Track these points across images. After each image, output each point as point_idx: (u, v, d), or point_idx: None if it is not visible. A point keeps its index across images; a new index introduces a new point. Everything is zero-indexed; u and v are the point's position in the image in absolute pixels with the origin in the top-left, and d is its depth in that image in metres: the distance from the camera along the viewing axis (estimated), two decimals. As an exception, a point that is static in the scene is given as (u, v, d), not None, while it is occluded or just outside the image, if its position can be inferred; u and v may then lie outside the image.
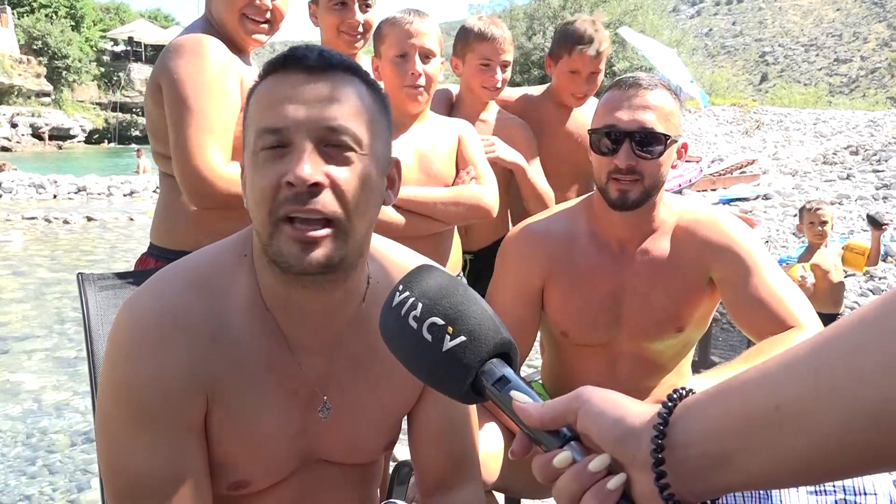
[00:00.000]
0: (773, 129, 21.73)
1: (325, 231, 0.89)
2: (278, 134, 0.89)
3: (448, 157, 1.96)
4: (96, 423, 0.96)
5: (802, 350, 0.50)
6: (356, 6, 2.05)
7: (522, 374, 1.89)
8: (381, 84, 1.91)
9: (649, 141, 1.49)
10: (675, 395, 0.57)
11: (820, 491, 1.06)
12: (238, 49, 1.84)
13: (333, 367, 1.04)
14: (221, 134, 1.69)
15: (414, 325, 0.68)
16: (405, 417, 1.18)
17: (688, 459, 0.53)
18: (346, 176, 0.90)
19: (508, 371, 0.67)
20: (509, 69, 2.30)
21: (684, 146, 1.60)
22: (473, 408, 1.20)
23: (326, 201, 0.88)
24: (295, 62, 0.92)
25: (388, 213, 1.82)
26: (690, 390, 0.57)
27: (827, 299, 4.07)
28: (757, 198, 10.55)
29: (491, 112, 2.35)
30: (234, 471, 1.01)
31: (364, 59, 2.17)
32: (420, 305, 0.68)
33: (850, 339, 0.47)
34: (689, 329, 1.62)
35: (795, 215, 4.91)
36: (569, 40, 2.33)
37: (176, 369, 0.92)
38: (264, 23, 1.83)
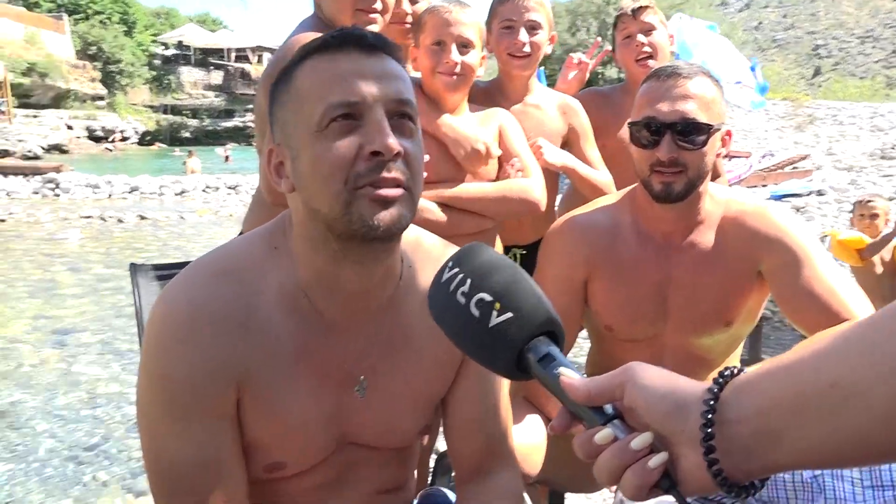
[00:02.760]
0: (827, 123, 21.10)
1: (400, 191, 0.93)
2: (353, 107, 0.92)
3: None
4: (137, 411, 1.00)
5: (858, 329, 0.49)
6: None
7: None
8: (418, 75, 1.93)
9: (691, 131, 1.45)
10: (726, 373, 0.56)
11: (877, 485, 1.03)
12: None
13: (369, 348, 1.06)
14: None
15: (462, 300, 0.69)
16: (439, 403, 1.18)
17: (738, 436, 0.53)
18: (411, 147, 0.95)
19: (554, 349, 0.67)
20: (542, 32, 2.07)
21: (728, 133, 1.56)
22: (507, 393, 1.20)
23: (402, 169, 0.93)
24: (353, 41, 0.95)
25: (433, 211, 1.81)
26: (742, 369, 0.57)
27: (872, 292, 3.97)
28: (810, 194, 10.27)
29: (536, 94, 2.17)
30: (269, 454, 1.03)
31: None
32: (469, 281, 0.69)
33: None
34: (738, 323, 1.58)
35: (851, 211, 4.77)
36: (614, 21, 2.41)
37: (207, 359, 0.95)
38: (376, 14, 1.84)
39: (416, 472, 1.30)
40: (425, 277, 1.11)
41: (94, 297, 6.41)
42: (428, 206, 1.82)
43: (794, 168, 13.40)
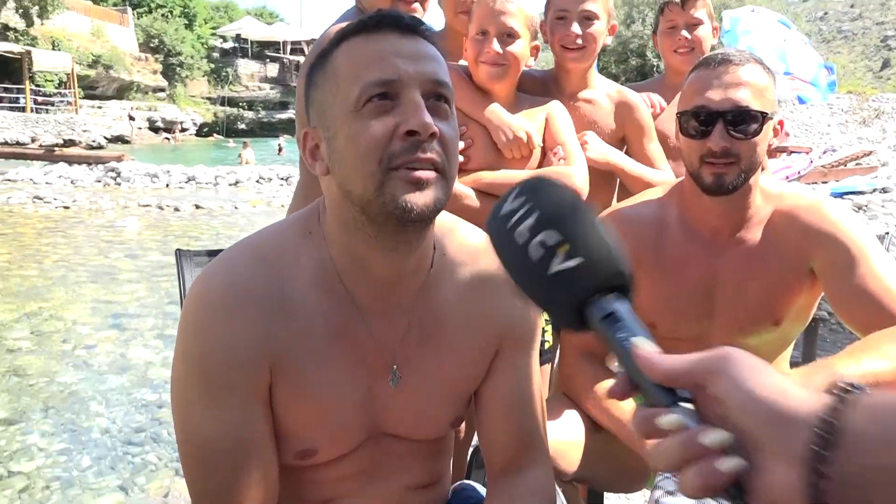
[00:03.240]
0: (895, 118, 20.22)
1: (435, 174, 0.92)
2: (390, 86, 0.91)
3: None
4: (171, 390, 1.01)
5: None
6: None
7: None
8: (465, 63, 1.92)
9: (744, 120, 1.39)
10: (847, 388, 0.49)
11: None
12: None
13: (402, 336, 1.05)
14: None
15: (525, 235, 0.61)
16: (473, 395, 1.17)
17: (853, 466, 0.46)
18: (447, 129, 0.94)
19: (623, 308, 0.59)
20: (599, 23, 1.98)
21: (780, 123, 1.49)
22: (540, 388, 1.17)
23: (437, 150, 0.92)
24: (390, 22, 0.95)
25: (471, 197, 1.80)
26: (858, 386, 0.49)
27: None
28: (874, 191, 9.88)
29: (592, 88, 2.09)
30: (301, 439, 1.03)
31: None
32: (535, 214, 0.61)
33: None
34: (787, 323, 1.52)
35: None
36: (660, 5, 2.39)
37: (242, 339, 0.95)
38: (416, 2, 1.85)
39: (451, 467, 1.29)
40: (458, 266, 1.09)
41: (149, 284, 6.61)
42: (465, 191, 1.80)
43: (857, 164, 12.93)
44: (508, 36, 1.82)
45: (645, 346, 0.57)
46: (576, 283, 0.59)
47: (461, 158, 1.84)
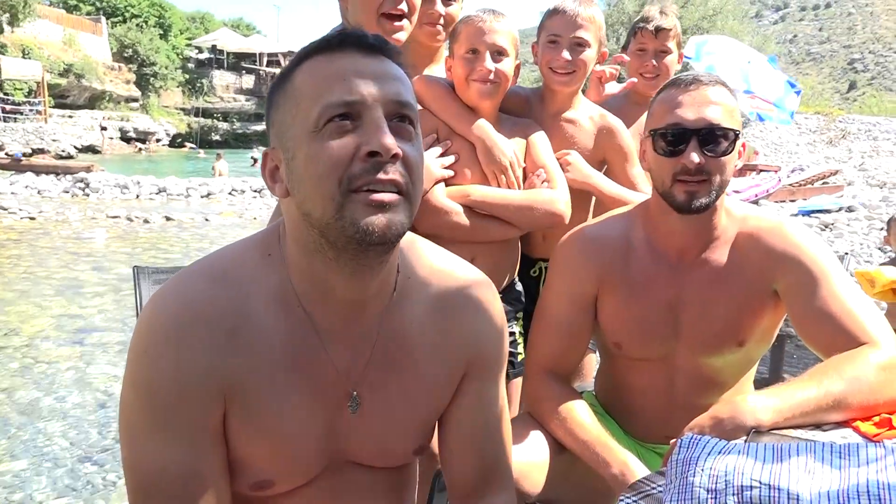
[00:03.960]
0: (861, 138, 20.73)
1: (398, 197, 0.89)
2: (351, 107, 0.89)
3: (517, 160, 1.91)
4: (119, 417, 0.97)
5: None
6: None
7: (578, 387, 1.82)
8: (452, 83, 1.92)
9: (716, 138, 1.40)
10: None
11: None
12: None
13: (365, 362, 1.02)
14: None
15: None
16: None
17: None
18: (411, 150, 0.92)
19: None
20: (589, 51, 1.98)
21: (743, 145, 1.51)
22: (507, 413, 1.15)
23: (400, 172, 0.90)
24: (353, 41, 0.93)
25: (460, 214, 1.80)
26: None
27: None
28: (840, 210, 10.08)
29: (577, 111, 2.08)
30: (257, 470, 0.99)
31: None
32: None
33: None
34: (751, 344, 1.52)
35: (882, 228, 4.62)
36: (633, 26, 2.48)
37: (193, 366, 0.92)
38: (402, 18, 1.82)
39: (416, 499, 1.26)
40: (423, 288, 1.07)
41: (115, 297, 6.48)
42: (453, 207, 1.80)
43: (824, 183, 13.19)
44: (498, 54, 1.85)
45: None
46: None
47: (449, 173, 1.84)
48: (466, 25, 1.88)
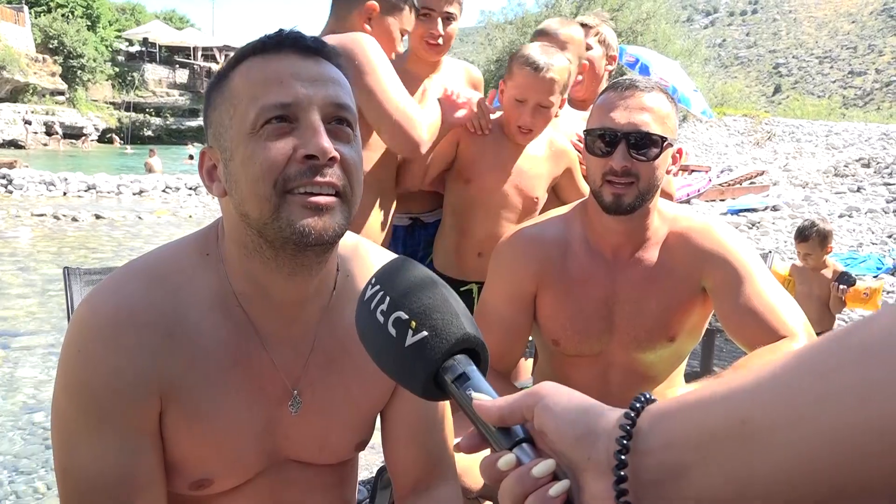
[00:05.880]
0: (785, 140, 21.63)
1: (335, 199, 0.90)
2: (288, 109, 0.89)
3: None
4: (52, 421, 0.95)
5: (778, 366, 0.46)
6: (439, 19, 2.22)
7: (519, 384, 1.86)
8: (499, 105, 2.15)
9: (645, 143, 1.46)
10: (641, 399, 0.54)
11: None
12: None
13: (305, 361, 1.03)
14: None
15: (381, 318, 0.67)
16: (378, 416, 1.15)
17: (645, 468, 0.50)
18: (349, 152, 0.92)
19: (471, 368, 0.64)
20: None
21: (679, 151, 1.57)
22: (447, 406, 1.17)
23: (338, 175, 0.90)
24: (290, 42, 0.93)
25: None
26: (653, 399, 0.54)
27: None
28: (766, 209, 10.50)
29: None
30: (195, 469, 0.99)
31: (449, 62, 2.43)
32: (388, 299, 0.67)
33: (825, 359, 0.43)
34: (681, 339, 1.59)
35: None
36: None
37: (128, 367, 0.91)
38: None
39: (356, 497, 1.26)
40: (362, 287, 1.08)
41: (41, 299, 6.23)
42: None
43: (751, 183, 13.71)
44: (543, 107, 2.06)
45: (482, 395, 0.61)
46: (426, 353, 0.64)
47: (462, 122, 2.11)
48: (521, 73, 2.04)
